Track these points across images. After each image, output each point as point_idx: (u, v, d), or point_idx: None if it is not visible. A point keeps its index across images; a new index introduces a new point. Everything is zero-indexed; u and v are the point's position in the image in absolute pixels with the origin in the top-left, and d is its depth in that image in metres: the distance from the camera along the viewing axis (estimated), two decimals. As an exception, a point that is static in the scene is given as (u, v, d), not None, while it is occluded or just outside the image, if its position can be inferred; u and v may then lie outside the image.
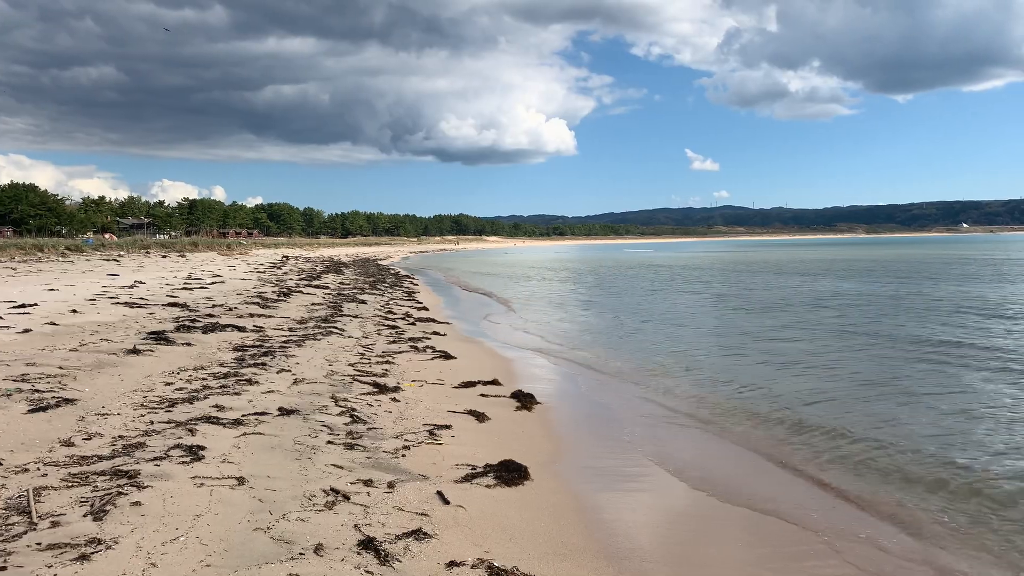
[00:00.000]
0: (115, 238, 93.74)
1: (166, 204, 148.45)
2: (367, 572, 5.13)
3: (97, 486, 6.25)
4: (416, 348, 15.61)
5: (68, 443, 7.53)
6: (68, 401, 9.07)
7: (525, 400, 11.26)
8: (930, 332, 18.90)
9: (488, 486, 7.27)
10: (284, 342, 14.99)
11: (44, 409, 8.61)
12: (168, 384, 10.56)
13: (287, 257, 72.10)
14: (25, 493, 6.03)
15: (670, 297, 33.11)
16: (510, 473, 7.58)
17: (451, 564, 5.39)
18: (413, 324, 20.15)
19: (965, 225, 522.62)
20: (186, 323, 16.80)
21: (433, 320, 21.44)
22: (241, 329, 16.56)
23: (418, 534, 5.81)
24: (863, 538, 6.58)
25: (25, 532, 5.31)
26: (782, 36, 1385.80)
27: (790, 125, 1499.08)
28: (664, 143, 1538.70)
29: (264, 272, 43.33)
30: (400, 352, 14.92)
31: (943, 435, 9.56)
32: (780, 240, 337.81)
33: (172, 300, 22.56)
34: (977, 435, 9.53)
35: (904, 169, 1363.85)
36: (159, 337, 14.33)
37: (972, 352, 15.66)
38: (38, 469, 6.71)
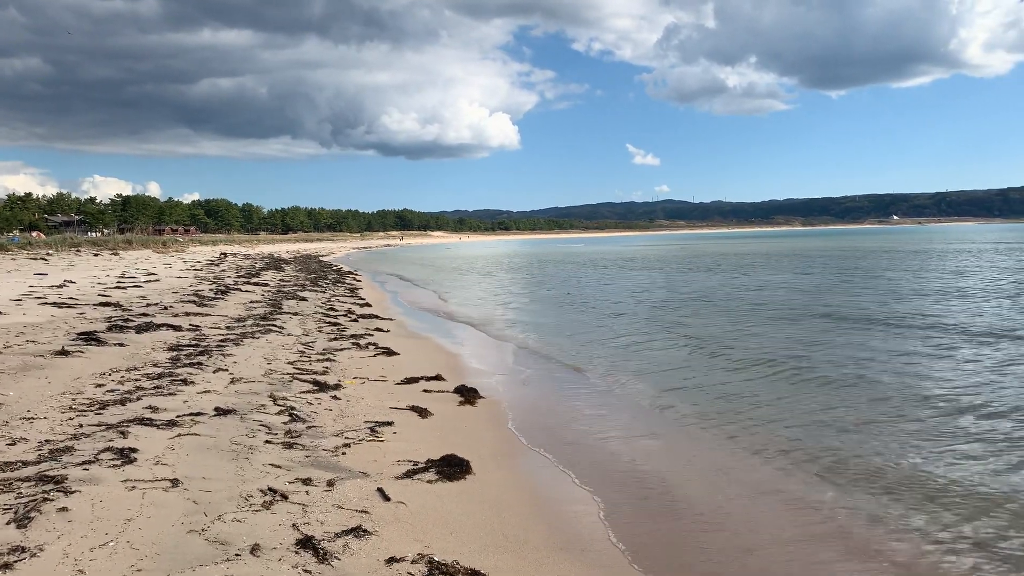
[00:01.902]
0: (43, 236, 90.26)
1: (98, 201, 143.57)
2: (305, 571, 5.07)
3: (21, 492, 6.03)
4: (358, 345, 15.46)
5: (-9, 449, 7.24)
6: (-9, 406, 8.72)
7: (468, 395, 11.27)
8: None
9: (430, 481, 7.26)
10: (221, 341, 14.67)
11: (-35, 414, 8.25)
12: (99, 386, 10.24)
13: (225, 254, 70.54)
14: (-57, 502, 5.78)
15: (610, 289, 33.47)
16: (452, 468, 7.59)
17: (391, 560, 5.37)
18: (355, 321, 19.94)
19: (896, 217, 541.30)
20: (119, 323, 16.31)
21: (376, 316, 21.26)
22: (176, 328, 16.16)
23: (358, 531, 5.77)
24: (813, 523, 6.78)
25: (-57, 542, 5.09)
26: (720, 32, 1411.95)
27: (728, 120, 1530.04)
28: (606, 138, 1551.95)
29: (201, 270, 42.32)
30: (342, 349, 14.76)
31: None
32: (720, 233, 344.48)
33: (104, 299, 21.86)
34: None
35: (838, 163, 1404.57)
36: (90, 338, 13.87)
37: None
38: (-42, 477, 6.43)
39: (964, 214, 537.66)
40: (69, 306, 19.66)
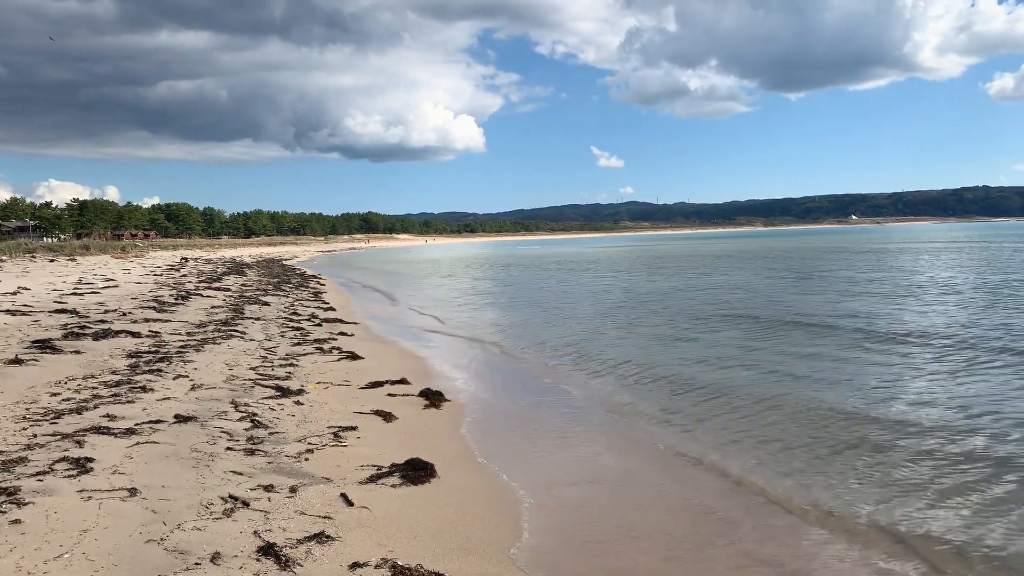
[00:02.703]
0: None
1: (54, 205, 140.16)
2: (266, 579, 5.02)
3: (-28, 505, 5.88)
4: (322, 350, 15.33)
5: (-60, 461, 7.04)
6: (-59, 417, 8.49)
7: (433, 398, 11.24)
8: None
9: (394, 485, 7.23)
10: (182, 347, 14.45)
11: (-87, 426, 8.02)
12: (54, 395, 10.02)
13: (186, 259, 69.46)
14: None
15: (568, 292, 33.66)
16: (416, 472, 7.57)
17: (354, 565, 5.34)
18: (319, 325, 19.78)
19: (854, 217, 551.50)
20: (75, 330, 15.96)
21: (340, 320, 21.10)
22: (136, 335, 15.87)
23: (320, 537, 5.73)
24: (763, 525, 6.88)
25: None
26: (681, 36, 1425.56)
27: (690, 123, 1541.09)
28: (571, 140, 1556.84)
29: (161, 275, 41.61)
30: (305, 354, 14.62)
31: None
32: (684, 234, 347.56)
33: (60, 306, 21.37)
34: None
35: (798, 164, 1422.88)
36: (44, 345, 13.56)
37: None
38: (-95, 490, 6.25)
39: (920, 214, 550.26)
40: (23, 313, 19.19)
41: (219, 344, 15.05)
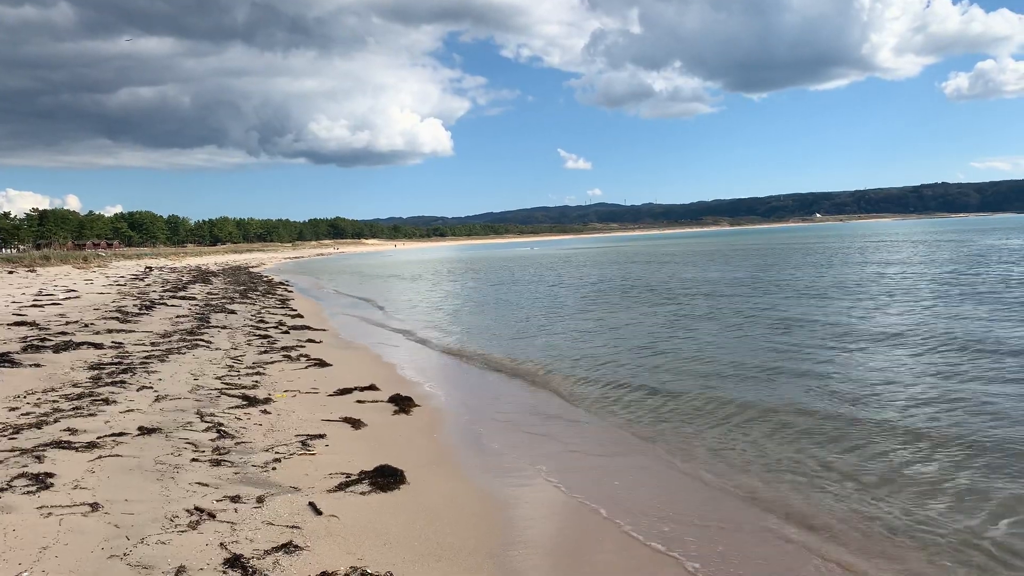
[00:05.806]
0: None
1: (12, 215, 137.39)
2: (233, 591, 4.95)
3: (-73, 525, 5.72)
4: (289, 357, 15.18)
5: None
6: None
7: (403, 404, 11.19)
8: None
9: (363, 493, 7.18)
10: (146, 358, 14.21)
11: None
12: (12, 409, 9.78)
13: (150, 268, 68.35)
14: None
15: (536, 295, 33.76)
16: (386, 478, 7.52)
17: (323, 575, 5.28)
18: (286, 333, 19.58)
19: (819, 215, 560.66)
20: (35, 342, 15.62)
21: (308, 327, 20.92)
22: (98, 346, 15.57)
23: (288, 547, 5.67)
24: (738, 529, 6.95)
25: None
26: (645, 38, 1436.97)
27: (656, 124, 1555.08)
28: (538, 143, 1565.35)
29: (125, 285, 40.89)
30: (272, 362, 14.46)
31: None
32: (652, 235, 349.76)
33: (19, 319, 20.90)
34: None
35: (762, 164, 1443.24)
36: (3, 359, 13.24)
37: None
38: None
39: (882, 211, 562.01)
40: (-19, 327, 18.73)
41: (184, 354, 14.82)
